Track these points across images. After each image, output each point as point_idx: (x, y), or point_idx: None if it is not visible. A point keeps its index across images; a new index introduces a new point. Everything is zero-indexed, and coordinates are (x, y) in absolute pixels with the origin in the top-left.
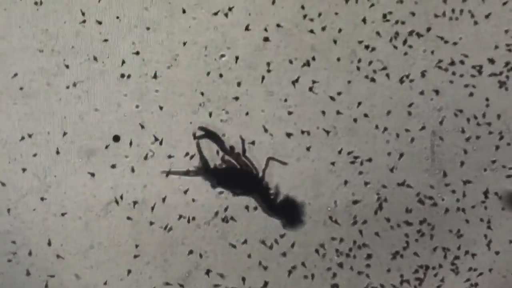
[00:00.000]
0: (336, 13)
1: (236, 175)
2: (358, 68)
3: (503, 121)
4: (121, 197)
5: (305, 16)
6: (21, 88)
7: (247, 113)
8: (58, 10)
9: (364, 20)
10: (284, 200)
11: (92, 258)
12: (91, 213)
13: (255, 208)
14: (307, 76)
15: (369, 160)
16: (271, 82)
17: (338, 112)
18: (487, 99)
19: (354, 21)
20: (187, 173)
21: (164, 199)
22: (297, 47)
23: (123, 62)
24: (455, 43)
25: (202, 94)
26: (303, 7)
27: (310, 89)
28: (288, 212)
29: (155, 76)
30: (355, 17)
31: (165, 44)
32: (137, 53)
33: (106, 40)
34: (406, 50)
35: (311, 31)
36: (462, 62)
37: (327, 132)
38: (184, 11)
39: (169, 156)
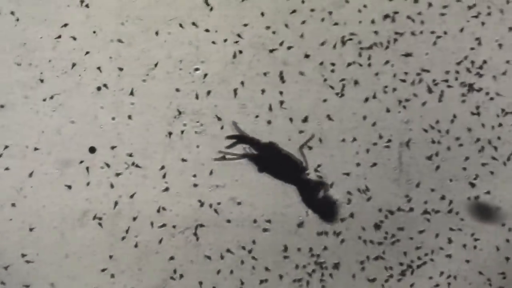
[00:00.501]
0: (302, 35)
1: (282, 163)
2: (327, 83)
3: (472, 134)
4: (96, 208)
5: (274, 32)
6: None
7: (222, 127)
8: (36, 24)
9: (331, 38)
10: (323, 197)
11: (67, 267)
12: (67, 223)
13: (228, 221)
14: (279, 90)
15: (337, 171)
16: (244, 95)
17: (306, 121)
18: (454, 115)
19: (321, 38)
20: (240, 156)
21: (139, 210)
22: (269, 61)
23: (99, 75)
24: (419, 58)
25: (177, 107)
26: (282, 20)
27: (281, 102)
28: (324, 209)
29: (131, 91)
30: (321, 34)
31: (141, 58)
32: (113, 66)
33: (82, 54)
34: (373, 66)
35: (283, 47)
36: (425, 75)
37: (300, 145)
38: (159, 26)
39: (144, 168)
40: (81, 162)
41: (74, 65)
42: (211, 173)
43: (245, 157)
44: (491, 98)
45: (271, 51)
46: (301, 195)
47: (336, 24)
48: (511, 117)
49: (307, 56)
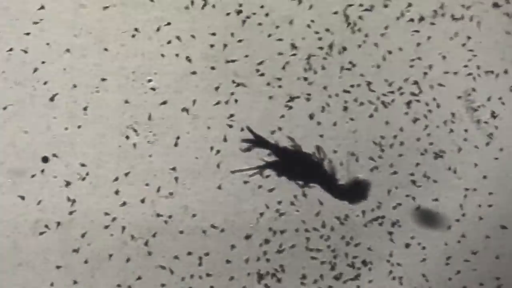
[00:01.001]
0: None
1: (299, 164)
2: (276, 96)
3: (421, 143)
4: (48, 216)
5: (225, 46)
6: None
7: (178, 137)
8: None
9: (278, 52)
10: (348, 183)
11: (20, 276)
12: (20, 232)
13: (181, 232)
14: (232, 97)
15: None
16: (196, 106)
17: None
18: (401, 129)
19: (270, 51)
20: (255, 168)
21: (92, 219)
22: (222, 73)
23: (53, 86)
24: (366, 70)
25: (130, 117)
26: (232, 34)
27: (231, 115)
28: (353, 192)
29: (84, 102)
30: (270, 48)
31: (94, 69)
32: (66, 77)
33: (35, 65)
34: (321, 79)
35: (233, 60)
36: (372, 86)
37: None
38: (112, 38)
39: (97, 177)
40: (34, 172)
41: (27, 76)
42: (163, 182)
43: (262, 168)
44: (429, 110)
45: (224, 62)
46: (327, 191)
47: (280, 39)
48: (452, 127)
49: (257, 70)
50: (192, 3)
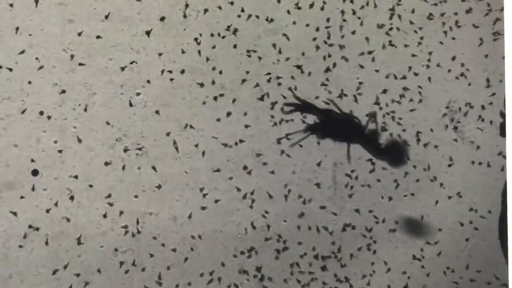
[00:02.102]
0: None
1: (340, 125)
2: (263, 107)
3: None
4: (39, 229)
5: (207, 59)
6: None
7: (165, 150)
8: None
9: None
10: (388, 143)
11: (11, 287)
12: (10, 244)
13: (163, 245)
14: (218, 110)
15: (269, 194)
16: (185, 117)
17: (247, 147)
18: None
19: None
20: (303, 131)
21: (82, 232)
22: (208, 85)
23: (42, 100)
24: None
25: (119, 130)
26: (214, 47)
27: (218, 119)
28: (393, 153)
29: (73, 115)
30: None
31: (83, 83)
32: (56, 92)
33: (25, 80)
34: (309, 90)
35: (220, 72)
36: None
37: (245, 169)
38: (100, 53)
39: (86, 190)
40: (24, 185)
41: (17, 90)
42: (153, 192)
43: (308, 130)
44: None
45: (210, 75)
46: (368, 150)
47: (260, 59)
48: (436, 137)
49: (243, 80)
50: (182, 15)
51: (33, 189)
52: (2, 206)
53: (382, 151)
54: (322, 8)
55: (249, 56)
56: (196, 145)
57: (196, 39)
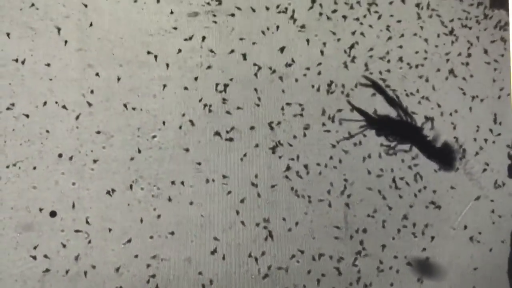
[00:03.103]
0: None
1: (397, 125)
2: (273, 148)
3: (410, 191)
4: (57, 269)
5: (224, 100)
6: None
7: (180, 191)
8: (1, 97)
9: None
10: (441, 146)
11: None
12: (28, 285)
13: (176, 276)
14: (232, 151)
15: (290, 229)
16: (199, 157)
17: (255, 185)
18: (392, 170)
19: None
20: (363, 121)
21: (98, 271)
22: (221, 126)
23: (61, 143)
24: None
25: (135, 172)
26: (225, 91)
27: (234, 162)
28: (444, 156)
29: (91, 157)
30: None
31: (101, 126)
32: (75, 134)
33: (45, 123)
34: (316, 134)
35: (228, 113)
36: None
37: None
38: (118, 97)
39: (103, 230)
40: (42, 226)
41: (36, 133)
42: (168, 234)
43: (365, 127)
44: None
45: (223, 117)
46: (421, 151)
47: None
48: (445, 178)
49: (252, 127)
50: (196, 65)
51: (51, 229)
52: (20, 247)
53: (435, 153)
54: None
55: (258, 103)
56: (210, 187)
57: (217, 85)
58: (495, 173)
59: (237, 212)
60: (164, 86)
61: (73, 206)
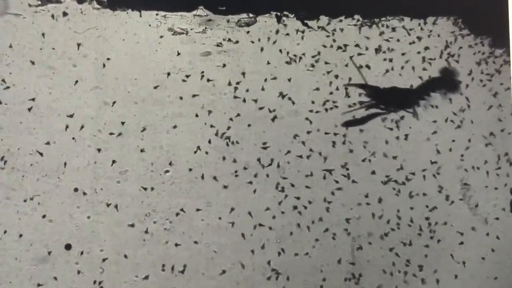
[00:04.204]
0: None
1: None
2: (283, 185)
3: (416, 225)
4: None
5: (232, 143)
6: None
7: (193, 226)
8: (19, 132)
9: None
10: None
11: None
12: None
13: None
14: (242, 184)
15: (292, 265)
16: (210, 192)
17: (270, 228)
18: (398, 210)
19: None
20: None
21: None
22: (231, 163)
23: (77, 177)
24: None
25: (148, 206)
26: (238, 128)
27: (245, 199)
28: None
29: (106, 192)
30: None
31: (116, 162)
32: (90, 169)
33: (62, 158)
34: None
35: (242, 150)
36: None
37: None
38: (132, 133)
39: (116, 263)
40: (57, 259)
41: (53, 168)
42: (182, 267)
43: (368, 103)
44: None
45: (233, 152)
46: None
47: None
48: (450, 212)
49: (269, 164)
50: (208, 102)
51: (66, 262)
52: (35, 279)
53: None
54: None
55: (265, 148)
56: (222, 222)
57: (231, 119)
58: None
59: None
60: (177, 122)
61: (88, 239)
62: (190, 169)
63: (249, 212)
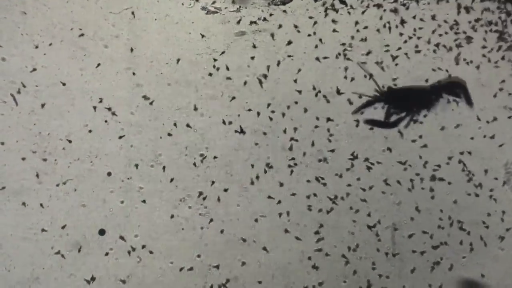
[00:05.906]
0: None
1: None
2: (322, 174)
3: (456, 214)
4: (105, 286)
5: (272, 113)
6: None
7: (227, 210)
8: (52, 116)
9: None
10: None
11: None
12: None
13: None
14: (281, 169)
15: (327, 254)
16: (245, 179)
17: (309, 208)
18: (455, 201)
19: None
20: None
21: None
22: (273, 144)
23: (110, 162)
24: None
25: (182, 190)
26: (272, 111)
27: (281, 184)
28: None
29: (139, 176)
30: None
31: (149, 145)
32: (123, 153)
33: (94, 142)
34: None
35: (284, 131)
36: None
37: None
38: (166, 116)
39: (151, 248)
40: (91, 244)
41: (86, 152)
42: (214, 253)
43: (375, 101)
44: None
45: (273, 137)
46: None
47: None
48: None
49: (312, 148)
50: (243, 83)
51: (100, 248)
52: (70, 265)
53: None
54: None
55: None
56: (255, 207)
57: (269, 104)
58: None
59: (286, 231)
60: (210, 105)
61: (122, 224)
62: (227, 153)
63: (292, 197)
